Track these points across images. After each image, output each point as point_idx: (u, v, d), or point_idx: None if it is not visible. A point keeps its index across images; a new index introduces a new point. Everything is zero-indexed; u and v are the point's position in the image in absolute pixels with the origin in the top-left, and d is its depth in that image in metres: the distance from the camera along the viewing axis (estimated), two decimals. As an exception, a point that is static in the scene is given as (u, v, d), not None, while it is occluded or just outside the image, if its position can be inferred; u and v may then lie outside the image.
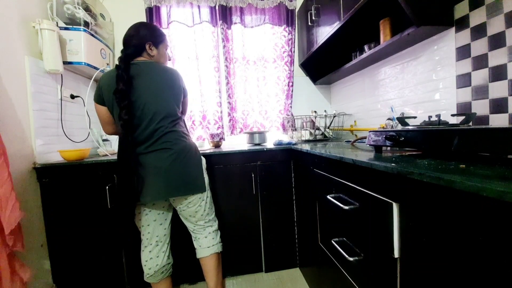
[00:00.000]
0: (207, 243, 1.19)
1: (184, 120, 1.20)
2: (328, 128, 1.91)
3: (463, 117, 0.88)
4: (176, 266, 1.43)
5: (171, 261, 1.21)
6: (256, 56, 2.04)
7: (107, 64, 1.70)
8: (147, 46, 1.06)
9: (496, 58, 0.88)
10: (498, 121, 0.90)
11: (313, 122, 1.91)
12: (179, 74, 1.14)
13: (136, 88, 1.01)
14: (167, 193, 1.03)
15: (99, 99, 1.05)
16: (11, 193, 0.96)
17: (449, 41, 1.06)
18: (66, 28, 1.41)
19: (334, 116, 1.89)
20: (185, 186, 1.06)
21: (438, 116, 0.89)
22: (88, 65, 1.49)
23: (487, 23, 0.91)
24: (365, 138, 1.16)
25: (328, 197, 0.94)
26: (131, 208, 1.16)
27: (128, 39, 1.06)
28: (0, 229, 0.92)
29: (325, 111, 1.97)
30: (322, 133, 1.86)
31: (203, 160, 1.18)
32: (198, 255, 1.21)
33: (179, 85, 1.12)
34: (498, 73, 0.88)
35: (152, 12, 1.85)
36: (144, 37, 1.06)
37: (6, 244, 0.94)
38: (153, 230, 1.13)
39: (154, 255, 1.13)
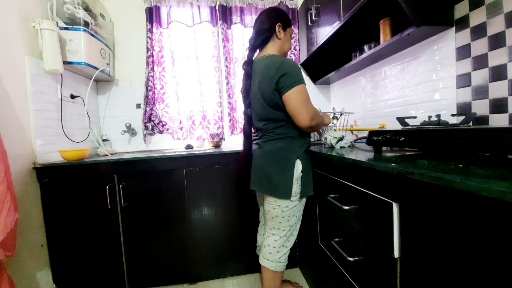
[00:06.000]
0: (264, 252, 1.13)
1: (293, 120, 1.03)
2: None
3: (463, 117, 0.88)
4: (176, 265, 1.45)
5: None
6: (256, 56, 2.04)
7: (107, 64, 1.70)
8: (277, 28, 1.09)
9: (496, 58, 0.88)
10: (498, 121, 0.89)
11: None
12: (275, 68, 0.98)
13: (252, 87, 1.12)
14: (251, 184, 1.16)
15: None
16: (7, 194, 0.93)
17: (449, 41, 1.06)
18: (66, 28, 1.41)
19: (341, 114, 1.81)
20: (260, 183, 1.10)
21: (438, 116, 0.89)
22: (88, 65, 1.49)
23: (487, 23, 0.91)
24: (365, 138, 1.16)
25: (328, 197, 0.94)
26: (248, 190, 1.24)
27: (259, 25, 1.10)
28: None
29: (333, 108, 1.91)
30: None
31: (298, 166, 1.03)
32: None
33: (269, 84, 1.01)
34: (498, 73, 0.88)
35: (152, 12, 1.85)
36: (275, 20, 1.09)
37: None
38: (261, 210, 1.32)
39: (260, 232, 1.32)
